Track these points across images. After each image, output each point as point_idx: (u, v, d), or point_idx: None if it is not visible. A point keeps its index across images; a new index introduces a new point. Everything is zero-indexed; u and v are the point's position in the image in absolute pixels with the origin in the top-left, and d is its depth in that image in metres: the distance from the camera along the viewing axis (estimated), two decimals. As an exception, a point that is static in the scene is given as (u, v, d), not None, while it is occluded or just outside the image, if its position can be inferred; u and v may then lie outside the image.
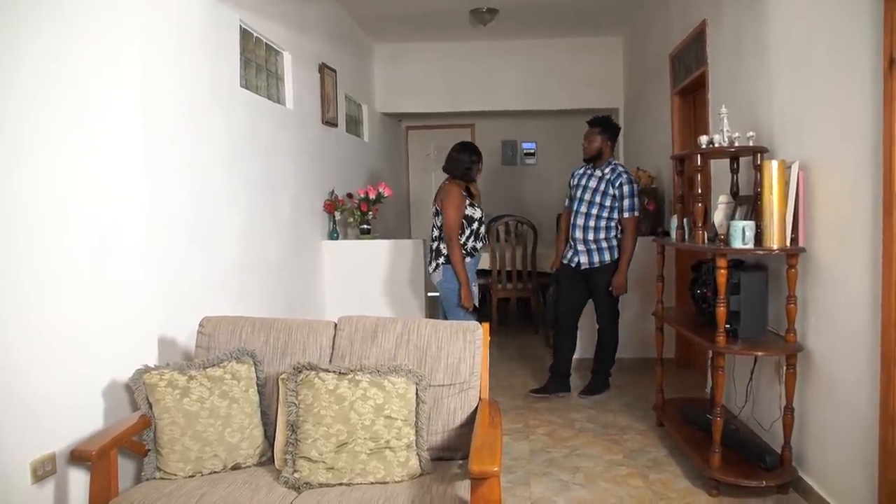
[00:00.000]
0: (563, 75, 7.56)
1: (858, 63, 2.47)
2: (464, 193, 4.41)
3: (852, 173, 2.56)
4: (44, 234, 2.40)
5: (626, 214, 4.39)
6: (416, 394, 2.51)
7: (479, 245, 4.47)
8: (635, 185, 4.42)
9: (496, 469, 2.03)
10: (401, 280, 5.56)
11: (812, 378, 2.93)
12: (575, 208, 4.50)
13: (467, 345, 2.66)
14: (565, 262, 4.59)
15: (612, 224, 4.42)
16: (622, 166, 4.49)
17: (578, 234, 4.47)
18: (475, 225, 4.42)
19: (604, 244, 4.43)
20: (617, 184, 4.37)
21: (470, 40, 7.48)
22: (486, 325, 2.75)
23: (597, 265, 4.46)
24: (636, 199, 4.41)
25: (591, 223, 4.42)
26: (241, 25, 4.01)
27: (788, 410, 2.97)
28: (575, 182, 4.56)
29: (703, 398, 4.00)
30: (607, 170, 4.42)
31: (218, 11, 3.67)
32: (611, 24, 7.00)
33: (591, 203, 4.42)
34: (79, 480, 2.46)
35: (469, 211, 4.40)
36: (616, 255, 4.45)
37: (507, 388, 4.87)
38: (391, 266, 5.58)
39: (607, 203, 4.39)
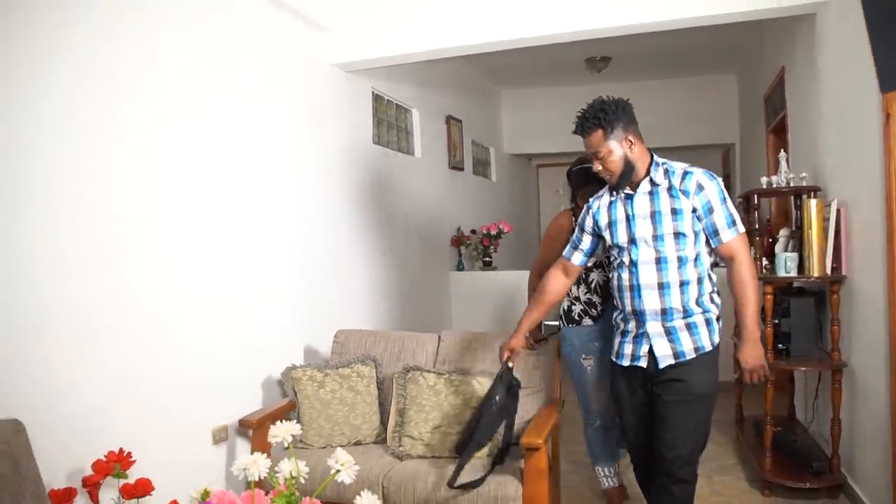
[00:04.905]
0: (678, 113, 7.93)
1: (874, 116, 2.88)
2: (571, 220, 3.21)
3: (872, 209, 2.95)
4: (221, 266, 3.28)
5: (726, 235, 2.46)
6: (498, 392, 3.15)
7: (594, 299, 3.16)
8: (720, 180, 2.51)
9: (540, 442, 2.65)
10: (520, 309, 6.17)
11: (857, 393, 3.28)
12: (621, 260, 2.59)
13: (541, 356, 3.27)
14: (624, 362, 2.65)
15: (705, 269, 2.52)
16: (673, 162, 2.56)
17: (648, 302, 2.51)
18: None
19: (696, 312, 2.50)
20: (692, 186, 2.46)
21: (587, 84, 8.01)
22: (556, 343, 3.33)
23: (689, 357, 2.50)
24: (731, 204, 2.50)
25: (672, 276, 2.48)
26: (373, 91, 4.88)
27: (836, 422, 3.32)
28: (604, 220, 2.63)
29: (781, 415, 4.33)
30: (658, 175, 2.51)
31: (354, 83, 4.55)
32: (724, 62, 7.31)
33: (657, 238, 2.49)
34: (243, 446, 3.30)
35: None
36: (717, 335, 2.55)
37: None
38: (510, 296, 6.22)
39: (685, 228, 2.45)
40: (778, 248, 3.66)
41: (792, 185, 3.61)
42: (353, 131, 4.54)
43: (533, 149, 8.84)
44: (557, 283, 2.83)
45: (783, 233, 3.72)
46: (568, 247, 2.82)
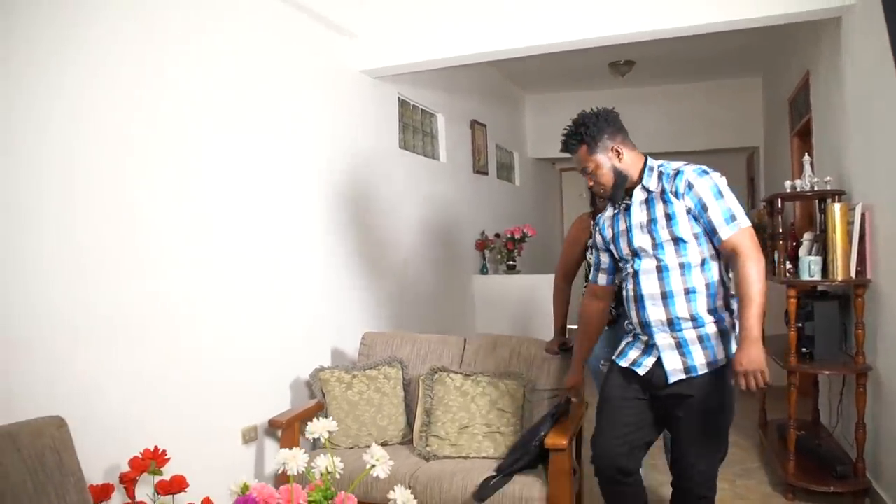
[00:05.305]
0: (702, 117, 7.92)
1: (897, 121, 2.90)
2: (592, 225, 3.11)
3: (896, 214, 2.97)
4: (248, 270, 3.36)
5: (725, 232, 2.30)
6: (523, 394, 3.20)
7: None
8: (715, 176, 2.36)
9: (565, 443, 2.69)
10: (543, 312, 6.21)
11: (882, 396, 3.28)
12: (627, 270, 2.50)
13: (566, 360, 3.31)
14: (623, 362, 2.54)
15: (713, 274, 2.37)
16: (669, 163, 2.45)
17: (653, 312, 2.41)
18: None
19: (707, 321, 2.36)
20: (682, 186, 2.34)
21: (610, 88, 8.05)
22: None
23: (702, 372, 2.37)
24: (732, 199, 2.33)
25: (675, 284, 2.37)
26: (399, 97, 4.96)
27: (860, 426, 3.32)
28: (609, 234, 2.58)
29: (805, 419, 4.32)
30: (651, 181, 2.42)
31: (381, 89, 4.63)
32: (748, 66, 7.28)
33: (656, 246, 2.39)
34: (272, 446, 3.38)
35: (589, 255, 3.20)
36: (733, 345, 2.37)
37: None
38: (534, 300, 6.25)
39: (683, 233, 2.34)
40: (802, 251, 3.67)
41: (816, 188, 3.62)
42: (379, 136, 4.62)
43: (556, 153, 8.70)
44: (593, 309, 2.78)
45: (807, 236, 3.74)
46: (592, 271, 2.78)
